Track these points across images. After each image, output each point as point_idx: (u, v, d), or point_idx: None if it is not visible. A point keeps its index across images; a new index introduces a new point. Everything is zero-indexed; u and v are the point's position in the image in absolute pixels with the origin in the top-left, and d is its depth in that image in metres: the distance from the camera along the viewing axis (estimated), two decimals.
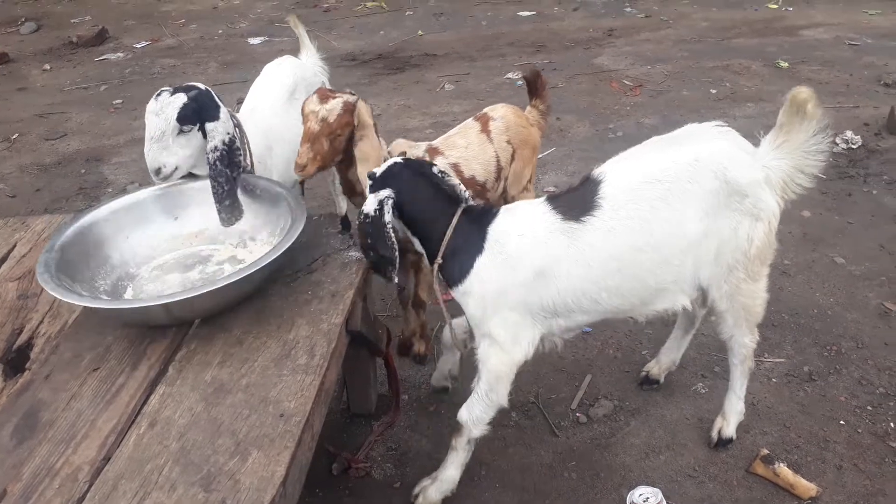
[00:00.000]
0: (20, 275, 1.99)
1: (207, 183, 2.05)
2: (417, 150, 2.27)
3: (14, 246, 2.12)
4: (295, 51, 5.63)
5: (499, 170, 2.39)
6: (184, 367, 1.63)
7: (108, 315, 1.78)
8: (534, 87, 2.57)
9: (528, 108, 2.57)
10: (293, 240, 1.78)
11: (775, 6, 6.19)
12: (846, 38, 5.36)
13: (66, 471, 1.39)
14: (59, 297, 1.66)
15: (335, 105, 2.00)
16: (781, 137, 1.89)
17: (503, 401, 1.98)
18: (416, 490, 2.09)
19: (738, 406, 2.22)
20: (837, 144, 3.89)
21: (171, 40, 6.39)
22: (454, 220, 1.84)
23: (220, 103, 2.10)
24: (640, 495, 2.07)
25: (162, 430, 1.47)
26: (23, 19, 7.13)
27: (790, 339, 2.65)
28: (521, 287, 1.83)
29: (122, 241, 1.99)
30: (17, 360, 1.71)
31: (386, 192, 1.79)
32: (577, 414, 2.38)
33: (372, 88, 5.13)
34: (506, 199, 2.45)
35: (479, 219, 1.88)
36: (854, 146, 3.88)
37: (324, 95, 2.04)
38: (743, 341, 2.09)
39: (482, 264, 1.84)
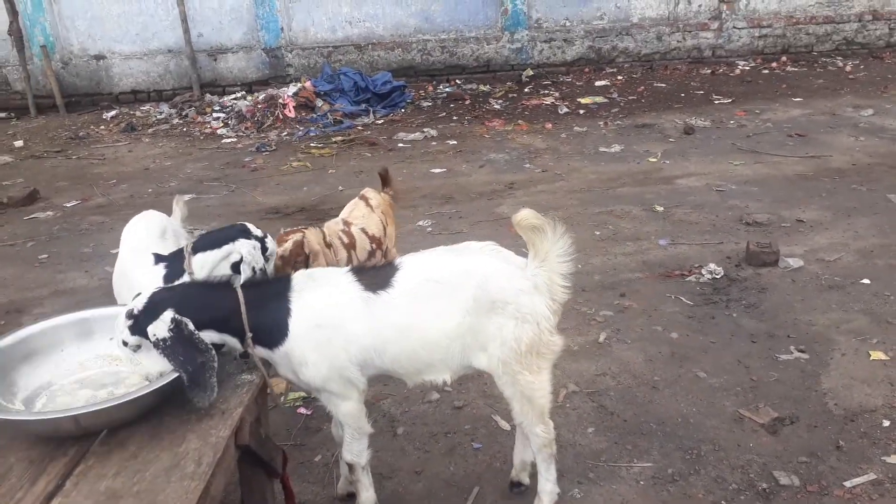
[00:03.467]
0: None
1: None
2: (337, 224, 3.30)
3: None
4: (218, 206, 6.03)
5: (384, 229, 3.47)
6: (80, 481, 1.80)
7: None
8: (385, 179, 3.76)
9: (381, 192, 3.67)
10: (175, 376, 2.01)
11: (654, 160, 7.02)
12: (714, 185, 6.11)
13: None
14: None
15: (287, 245, 2.85)
16: (532, 251, 2.33)
17: (368, 429, 2.38)
18: None
19: (549, 487, 2.52)
20: (703, 275, 4.41)
21: (101, 199, 6.72)
22: (240, 297, 2.15)
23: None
24: None
25: None
26: None
27: (657, 445, 2.94)
28: (331, 343, 2.18)
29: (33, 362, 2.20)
30: None
31: (167, 314, 2.03)
32: None
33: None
34: (381, 247, 3.44)
35: (273, 289, 2.24)
36: (717, 276, 4.40)
37: (280, 239, 2.81)
38: (535, 430, 2.41)
39: (295, 327, 2.17)
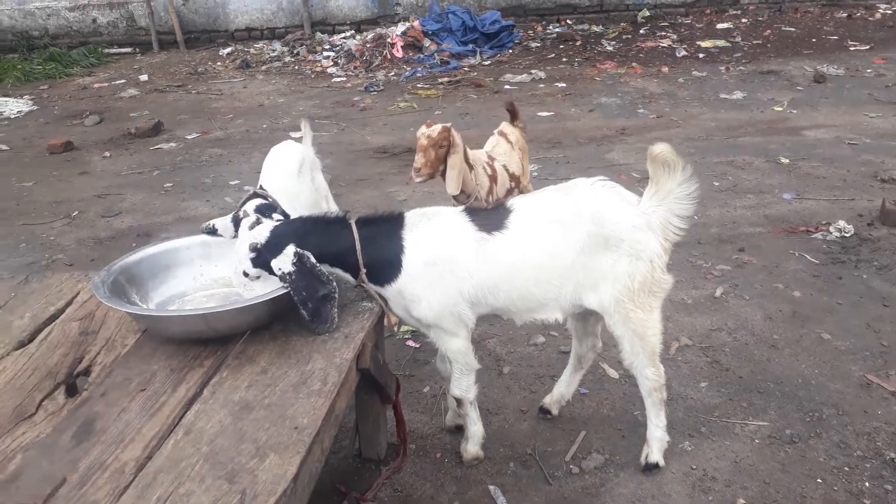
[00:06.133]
0: (82, 316, 2.31)
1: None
2: (483, 154, 3.38)
3: (77, 293, 2.45)
4: (329, 143, 6.16)
5: (522, 166, 3.54)
6: (216, 390, 1.90)
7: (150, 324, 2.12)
8: (513, 113, 3.75)
9: (512, 126, 3.68)
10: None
11: (780, 108, 6.59)
12: (846, 138, 5.69)
13: (114, 466, 1.65)
14: (107, 303, 2.08)
15: (437, 127, 3.04)
16: (653, 188, 2.23)
17: (476, 365, 2.40)
18: (461, 451, 2.57)
19: (658, 433, 2.49)
20: (831, 233, 4.14)
21: (219, 133, 6.98)
22: (355, 234, 2.17)
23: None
24: None
25: (195, 437, 1.73)
26: (87, 113, 7.85)
27: (774, 404, 2.83)
28: (444, 281, 2.19)
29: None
30: (76, 385, 2.01)
31: (290, 248, 2.07)
32: (571, 466, 2.57)
33: (400, 177, 5.55)
34: (519, 186, 3.50)
35: (387, 226, 2.23)
36: (847, 234, 4.11)
37: (428, 124, 3.08)
38: (645, 373, 2.38)
39: (409, 264, 2.18)
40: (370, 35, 9.96)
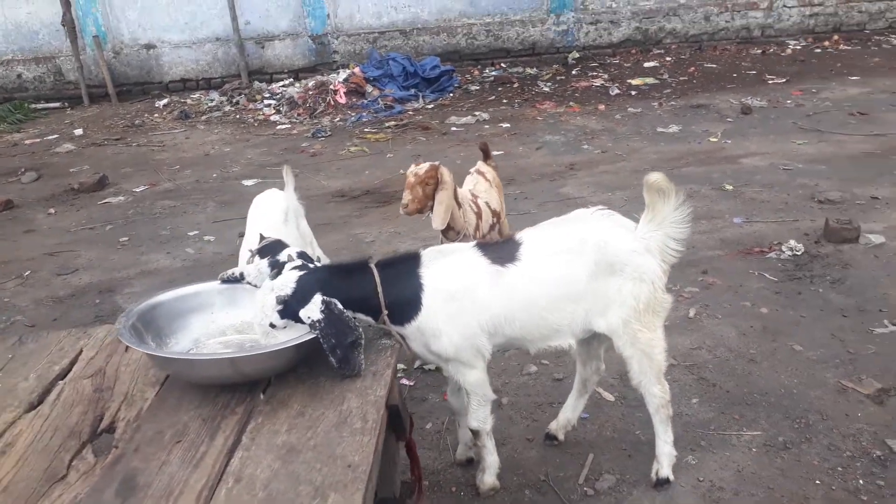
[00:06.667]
0: (92, 373, 2.24)
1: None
2: (467, 192, 3.46)
3: (80, 351, 2.38)
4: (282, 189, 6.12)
5: (500, 202, 3.67)
6: (256, 436, 1.89)
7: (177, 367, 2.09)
8: (486, 152, 3.91)
9: (486, 165, 3.82)
10: None
11: (715, 139, 6.99)
12: (780, 164, 6.08)
13: None
14: (135, 347, 2.07)
15: (424, 165, 3.15)
16: (650, 214, 2.40)
17: (492, 395, 2.46)
18: (477, 482, 2.60)
19: (666, 449, 2.59)
20: (784, 252, 4.41)
21: (168, 184, 6.86)
22: (376, 277, 2.22)
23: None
24: None
25: (247, 484, 1.71)
26: (23, 169, 7.58)
27: (763, 414, 2.98)
28: (464, 314, 2.27)
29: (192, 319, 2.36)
30: (103, 442, 1.95)
31: (317, 298, 2.08)
32: (585, 488, 2.64)
33: (362, 219, 5.59)
34: (500, 221, 3.63)
35: (405, 265, 2.30)
36: (798, 253, 4.39)
37: (417, 163, 3.20)
38: (652, 391, 2.49)
39: (429, 301, 2.24)
40: (311, 82, 10.03)
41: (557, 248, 2.35)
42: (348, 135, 8.27)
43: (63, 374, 2.26)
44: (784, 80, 8.94)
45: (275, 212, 3.15)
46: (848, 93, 8.22)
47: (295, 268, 2.28)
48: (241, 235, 5.34)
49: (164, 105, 10.37)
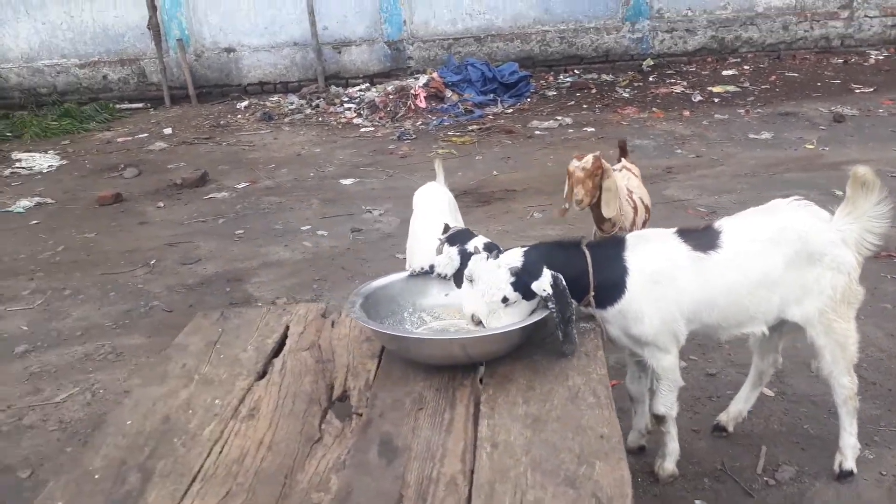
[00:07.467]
0: (307, 346, 2.34)
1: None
2: (623, 189, 3.34)
3: (287, 326, 2.48)
4: (384, 189, 6.29)
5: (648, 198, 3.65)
6: (494, 407, 1.95)
7: (411, 347, 2.16)
8: (623, 149, 3.89)
9: (624, 162, 3.78)
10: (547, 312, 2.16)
11: (811, 146, 6.91)
12: (887, 171, 5.97)
13: (444, 480, 1.68)
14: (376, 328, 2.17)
15: (588, 158, 3.14)
16: (849, 207, 2.43)
17: (681, 381, 2.49)
18: (656, 468, 2.62)
19: (851, 441, 2.60)
20: (862, 257, 4.34)
21: (268, 182, 7.03)
22: (588, 258, 2.27)
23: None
24: None
25: (505, 449, 1.77)
26: (123, 165, 7.84)
27: None
28: (666, 298, 2.31)
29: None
30: (340, 409, 2.03)
31: (547, 272, 2.15)
32: (765, 478, 2.64)
33: (468, 217, 5.62)
34: (650, 216, 3.58)
35: (611, 249, 2.35)
36: None
37: (578, 157, 3.17)
38: (842, 381, 2.52)
39: (633, 284, 2.29)
40: (391, 87, 10.18)
41: (757, 236, 2.38)
42: (432, 138, 8.37)
43: (278, 347, 2.36)
44: (872, 90, 8.81)
45: (440, 203, 3.23)
46: None
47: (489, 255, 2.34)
48: (353, 231, 5.52)
49: (245, 107, 10.61)
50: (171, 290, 4.67)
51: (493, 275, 2.17)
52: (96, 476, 1.78)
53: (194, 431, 1.93)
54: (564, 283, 2.15)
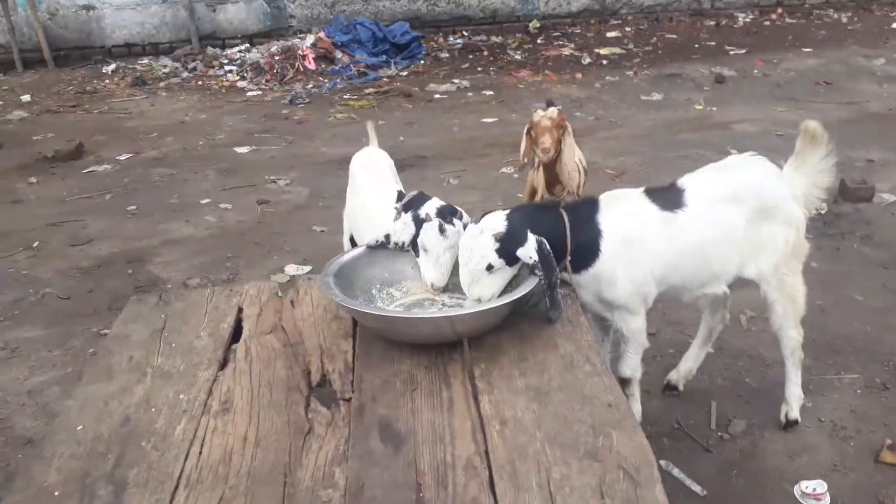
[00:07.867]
0: (269, 329, 2.14)
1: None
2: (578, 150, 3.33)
3: (240, 309, 2.25)
4: (286, 157, 5.99)
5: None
6: (491, 382, 1.85)
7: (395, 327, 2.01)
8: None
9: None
10: (535, 283, 2.06)
11: (700, 107, 7.23)
12: (771, 130, 6.37)
13: (460, 463, 1.57)
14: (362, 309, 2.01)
15: (553, 109, 3.14)
16: (798, 161, 2.52)
17: (647, 343, 2.49)
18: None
19: (797, 392, 2.73)
20: (811, 212, 4.64)
21: (153, 152, 6.48)
22: (566, 220, 2.21)
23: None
24: (807, 486, 2.43)
25: (516, 426, 1.68)
26: None
27: (852, 359, 3.16)
28: (639, 260, 2.29)
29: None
30: (322, 394, 1.87)
31: (531, 237, 2.07)
32: (720, 433, 2.73)
33: None
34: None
35: (585, 210, 2.29)
36: (822, 212, 4.63)
37: (543, 108, 3.17)
38: (790, 333, 2.63)
39: (607, 247, 2.25)
40: (275, 48, 9.66)
41: (718, 194, 2.40)
42: (328, 102, 8.04)
43: (235, 332, 2.14)
44: (744, 51, 9.32)
45: (382, 169, 3.03)
46: (806, 63, 8.66)
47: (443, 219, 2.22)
48: (261, 203, 5.19)
49: (113, 71, 9.73)
50: (64, 274, 4.20)
51: (475, 241, 2.05)
52: (56, 493, 1.53)
53: (163, 432, 1.70)
54: (548, 247, 2.07)
